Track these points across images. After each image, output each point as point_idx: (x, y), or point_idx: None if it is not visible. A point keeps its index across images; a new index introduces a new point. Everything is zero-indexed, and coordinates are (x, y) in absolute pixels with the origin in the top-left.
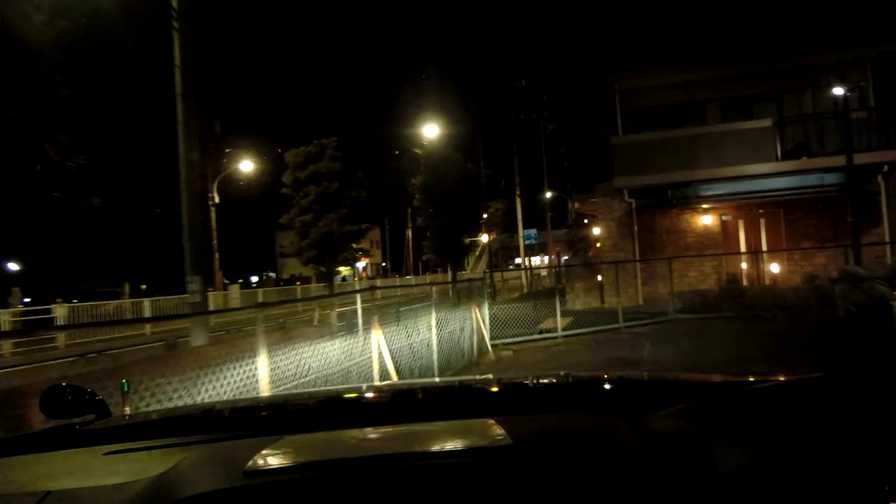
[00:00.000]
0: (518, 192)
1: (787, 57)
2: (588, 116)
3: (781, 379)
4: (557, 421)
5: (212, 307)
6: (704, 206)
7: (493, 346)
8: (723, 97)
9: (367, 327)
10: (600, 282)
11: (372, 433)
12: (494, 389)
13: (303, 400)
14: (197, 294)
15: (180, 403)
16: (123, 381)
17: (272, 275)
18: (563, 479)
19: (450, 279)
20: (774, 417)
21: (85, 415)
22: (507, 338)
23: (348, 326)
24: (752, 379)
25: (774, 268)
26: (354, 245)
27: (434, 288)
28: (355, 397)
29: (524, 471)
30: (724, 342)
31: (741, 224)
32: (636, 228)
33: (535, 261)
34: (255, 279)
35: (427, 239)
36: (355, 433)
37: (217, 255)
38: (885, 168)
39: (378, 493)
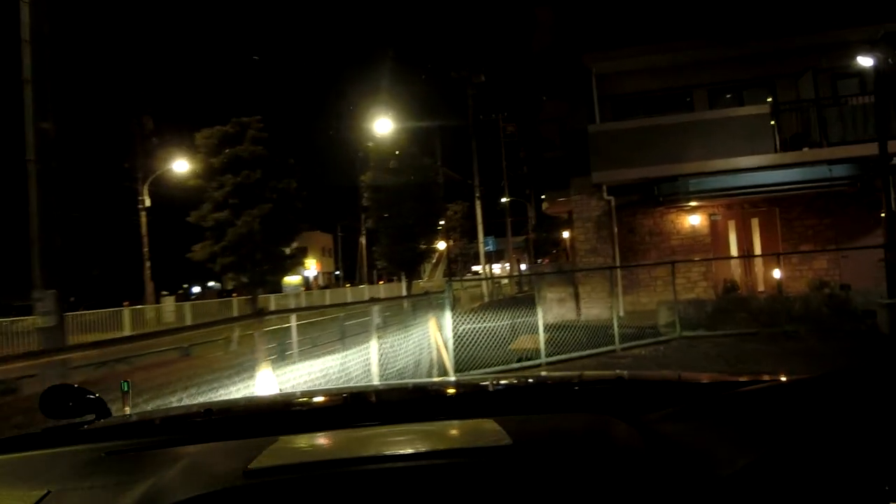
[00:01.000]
0: (478, 195)
1: (782, 37)
2: (560, 106)
3: (781, 379)
4: (557, 421)
5: (127, 326)
6: (693, 203)
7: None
8: (711, 82)
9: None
10: (576, 291)
11: (372, 433)
12: (494, 389)
13: (303, 400)
14: (50, 316)
15: None
16: (123, 381)
17: (215, 285)
18: (563, 479)
19: (404, 290)
20: (774, 417)
21: (85, 415)
22: (476, 367)
23: (279, 350)
24: (752, 379)
25: (776, 273)
26: (287, 249)
27: (376, 308)
28: (355, 397)
29: (524, 471)
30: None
31: (732, 224)
32: (616, 230)
33: (495, 268)
34: (197, 289)
35: (378, 244)
36: (355, 433)
37: (148, 263)
38: (895, 160)
39: (378, 493)
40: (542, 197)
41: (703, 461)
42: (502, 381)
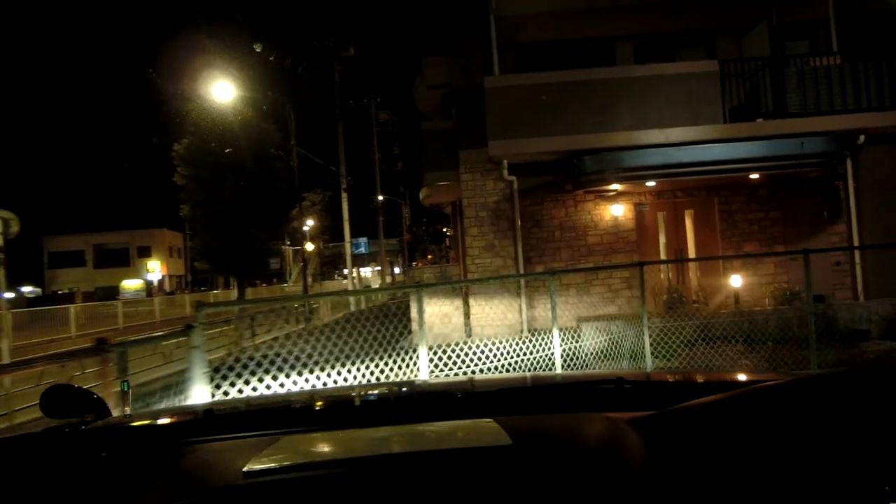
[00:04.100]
0: (345, 186)
1: None
2: (445, 66)
3: (782, 379)
4: (557, 421)
5: None
6: (616, 187)
7: None
8: (637, 34)
9: None
10: (467, 303)
11: (372, 433)
12: (494, 389)
13: (302, 400)
14: None
15: None
16: (123, 381)
17: (29, 290)
18: (563, 479)
19: (234, 302)
20: (775, 417)
21: (85, 415)
22: None
23: None
24: (752, 379)
25: (735, 281)
26: None
27: None
28: (355, 397)
29: (524, 471)
30: None
31: (662, 217)
32: (519, 221)
33: (366, 272)
34: (10, 295)
35: (194, 239)
36: (355, 433)
37: None
38: (861, 139)
39: (378, 493)
40: (421, 194)
41: (703, 461)
42: (502, 382)
